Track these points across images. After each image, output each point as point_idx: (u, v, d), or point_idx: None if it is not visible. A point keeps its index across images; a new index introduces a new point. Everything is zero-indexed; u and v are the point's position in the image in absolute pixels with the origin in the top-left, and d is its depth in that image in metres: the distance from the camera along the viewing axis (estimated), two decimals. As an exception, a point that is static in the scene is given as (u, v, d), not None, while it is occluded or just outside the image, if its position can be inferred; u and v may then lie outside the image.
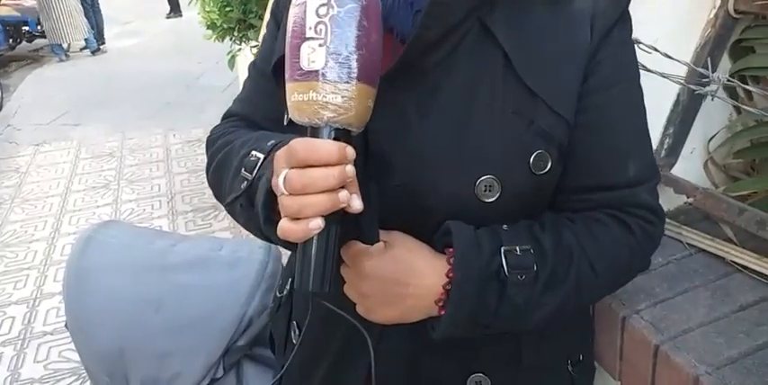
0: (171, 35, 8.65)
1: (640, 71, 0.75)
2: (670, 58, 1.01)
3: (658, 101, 1.12)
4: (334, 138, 0.56)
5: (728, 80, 1.02)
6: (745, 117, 1.20)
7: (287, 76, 0.57)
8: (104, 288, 1.43)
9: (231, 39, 3.10)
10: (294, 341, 0.87)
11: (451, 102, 0.66)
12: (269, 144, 0.66)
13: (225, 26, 3.06)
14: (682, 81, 1.07)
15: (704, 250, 1.09)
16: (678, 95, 1.16)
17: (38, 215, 3.67)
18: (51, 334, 2.59)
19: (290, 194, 0.55)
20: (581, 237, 0.69)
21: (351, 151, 0.55)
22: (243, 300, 1.38)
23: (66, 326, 1.48)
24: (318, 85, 0.54)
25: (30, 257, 3.20)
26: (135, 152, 4.58)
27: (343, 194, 0.55)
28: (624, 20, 0.71)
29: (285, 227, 0.56)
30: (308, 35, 0.54)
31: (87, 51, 7.87)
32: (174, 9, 9.99)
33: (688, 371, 0.86)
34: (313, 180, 0.54)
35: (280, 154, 0.58)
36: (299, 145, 0.55)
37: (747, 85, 1.10)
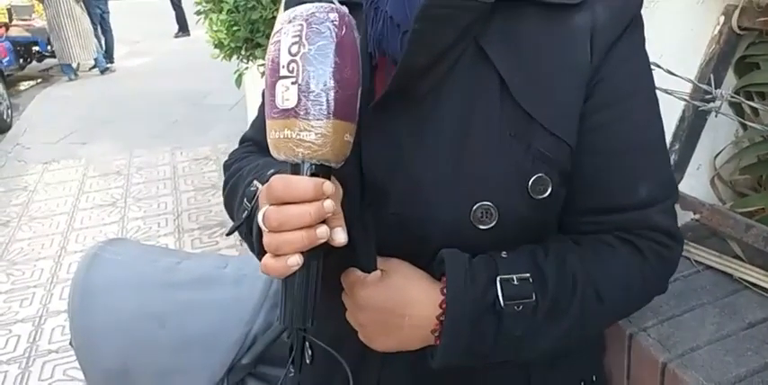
0: (179, 54, 8.74)
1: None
2: (674, 74, 1.01)
3: (664, 117, 1.12)
4: (313, 174, 0.56)
5: (732, 96, 1.02)
6: (751, 133, 1.20)
7: (266, 113, 0.57)
8: (109, 305, 1.43)
9: (238, 57, 3.13)
10: (306, 360, 0.86)
11: (446, 128, 0.65)
12: (269, 173, 0.66)
13: (232, 45, 3.09)
14: (686, 97, 1.07)
15: (712, 267, 1.09)
16: (683, 112, 1.16)
17: (45, 233, 3.68)
18: (56, 352, 2.58)
19: (269, 231, 0.55)
20: (587, 262, 0.66)
21: (329, 187, 0.55)
22: (247, 318, 1.37)
23: (70, 343, 1.48)
24: (292, 123, 0.54)
25: (36, 275, 3.20)
26: (142, 170, 4.61)
27: (322, 230, 0.55)
28: (632, 31, 0.67)
29: (266, 263, 0.56)
30: (281, 74, 0.54)
31: (96, 71, 7.96)
32: (182, 28, 10.12)
33: (696, 390, 0.85)
34: (289, 217, 0.54)
35: (262, 190, 0.58)
36: (276, 182, 0.55)
37: (753, 100, 1.10)
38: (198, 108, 6.06)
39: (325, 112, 0.54)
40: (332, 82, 0.54)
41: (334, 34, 0.54)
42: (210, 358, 1.35)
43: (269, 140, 0.57)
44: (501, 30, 0.64)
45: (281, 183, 0.55)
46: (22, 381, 2.43)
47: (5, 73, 6.76)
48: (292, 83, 0.54)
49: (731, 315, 0.97)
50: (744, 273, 1.04)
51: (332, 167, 0.57)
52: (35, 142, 5.42)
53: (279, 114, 0.55)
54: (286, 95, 0.54)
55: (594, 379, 0.83)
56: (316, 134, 0.54)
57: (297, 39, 0.54)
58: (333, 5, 0.56)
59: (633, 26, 0.67)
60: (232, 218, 0.79)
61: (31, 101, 6.88)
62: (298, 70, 0.54)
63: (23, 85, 7.82)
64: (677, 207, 1.15)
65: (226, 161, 0.86)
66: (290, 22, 0.55)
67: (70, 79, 7.69)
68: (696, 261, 1.10)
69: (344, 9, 0.57)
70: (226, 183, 0.81)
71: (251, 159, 0.80)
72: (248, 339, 1.38)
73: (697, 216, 1.13)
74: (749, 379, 0.86)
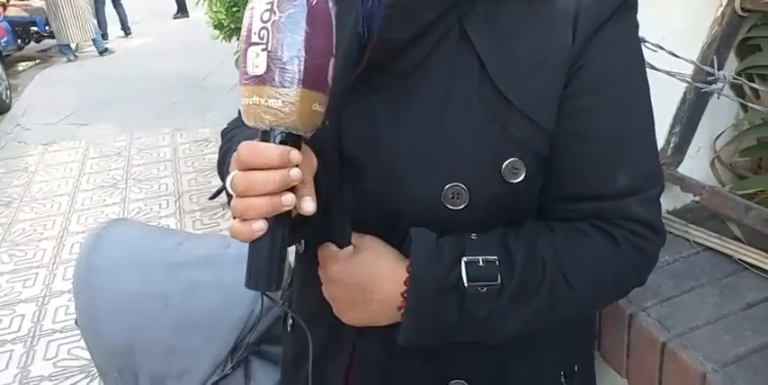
0: (178, 35, 8.69)
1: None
2: (676, 56, 1.01)
3: (665, 99, 1.12)
4: (282, 142, 0.56)
5: (735, 78, 1.02)
6: (751, 115, 1.20)
7: (239, 79, 0.57)
8: (113, 285, 1.44)
9: (238, 38, 3.11)
10: (288, 328, 0.88)
11: (424, 107, 0.65)
12: (248, 132, 0.66)
13: (232, 26, 3.08)
14: (688, 79, 1.07)
15: (711, 248, 1.09)
16: (685, 94, 1.16)
17: (47, 214, 3.69)
18: (60, 331, 2.61)
19: (236, 196, 0.56)
20: (558, 248, 0.66)
21: (295, 155, 0.55)
22: (251, 298, 1.39)
23: (76, 322, 1.49)
24: (260, 90, 0.54)
25: (39, 256, 3.22)
26: (142, 151, 4.61)
27: (287, 198, 0.55)
28: (621, 15, 0.65)
29: (234, 227, 0.57)
30: (252, 40, 0.54)
31: (95, 52, 7.91)
32: (182, 10, 10.04)
33: (695, 369, 0.86)
34: (254, 183, 0.54)
35: (233, 156, 0.59)
36: (244, 149, 0.55)
37: (754, 83, 1.10)
38: (197, 89, 6.04)
39: (294, 80, 0.54)
40: (302, 50, 0.54)
41: (305, 2, 0.54)
42: (214, 337, 1.37)
43: (241, 107, 0.58)
44: (484, 12, 0.64)
45: (248, 148, 0.55)
46: (27, 361, 2.45)
47: (4, 53, 6.73)
48: (262, 50, 0.54)
49: (730, 295, 0.98)
50: (743, 255, 1.05)
51: (302, 136, 0.58)
52: (35, 123, 5.42)
53: (249, 80, 0.55)
54: (256, 62, 0.54)
55: (576, 368, 0.82)
56: (283, 102, 0.54)
57: (269, 6, 0.54)
58: None
59: (623, 10, 0.65)
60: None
61: (30, 81, 6.85)
62: (268, 37, 0.54)
63: (22, 66, 7.78)
64: (677, 189, 1.16)
65: (223, 129, 0.86)
66: None
67: (69, 60, 7.65)
68: (695, 242, 1.11)
69: None
70: (220, 149, 0.81)
71: (246, 128, 0.81)
72: (251, 319, 1.39)
73: (697, 198, 1.14)
74: (748, 358, 0.87)
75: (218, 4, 3.07)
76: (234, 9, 3.02)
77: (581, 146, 0.66)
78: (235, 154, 0.58)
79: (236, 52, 3.23)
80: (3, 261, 3.19)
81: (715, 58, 1.08)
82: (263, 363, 1.42)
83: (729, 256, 1.06)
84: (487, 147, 0.64)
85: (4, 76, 6.09)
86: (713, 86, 1.02)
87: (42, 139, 4.96)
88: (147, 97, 5.90)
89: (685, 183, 1.15)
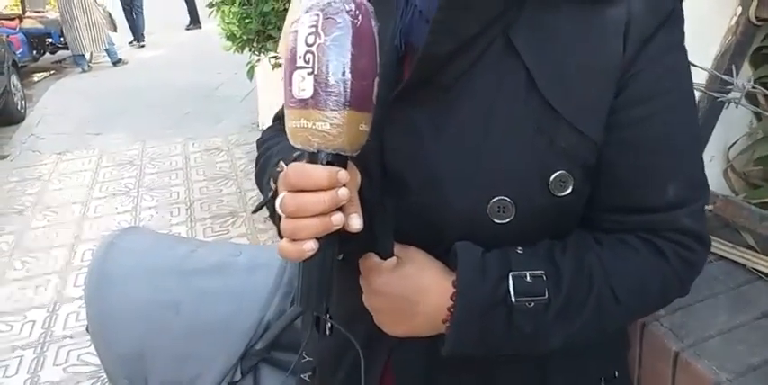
0: (190, 47, 8.76)
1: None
2: (693, 65, 1.01)
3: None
4: (329, 162, 0.56)
5: (753, 87, 1.01)
6: (765, 124, 1.20)
7: (284, 102, 0.58)
8: (125, 292, 1.45)
9: (250, 50, 3.14)
10: (326, 331, 0.88)
11: (468, 120, 0.64)
12: (295, 154, 0.65)
13: (244, 37, 3.10)
14: (702, 88, 1.07)
15: (725, 257, 1.09)
16: (699, 102, 1.16)
17: (59, 222, 3.71)
18: (71, 337, 2.62)
19: (286, 217, 0.56)
20: (606, 262, 0.65)
21: (343, 175, 0.56)
22: (261, 305, 1.39)
23: (87, 329, 1.50)
24: (307, 113, 0.55)
25: (51, 263, 3.23)
26: (155, 160, 4.63)
27: (337, 217, 0.56)
28: (670, 25, 0.64)
29: (283, 247, 0.57)
30: (298, 64, 0.55)
31: (108, 63, 8.00)
32: (194, 21, 10.13)
33: (709, 379, 0.86)
34: (304, 204, 0.55)
35: (280, 177, 0.59)
36: (292, 171, 0.56)
37: (768, 92, 1.10)
38: (209, 99, 6.08)
39: (341, 103, 0.54)
40: (348, 73, 0.54)
41: (350, 24, 0.54)
42: (224, 344, 1.37)
43: (287, 128, 0.58)
44: (531, 22, 0.63)
45: (297, 171, 0.56)
46: (38, 366, 2.46)
47: (19, 64, 6.80)
48: (308, 73, 0.54)
49: (744, 305, 0.98)
50: (757, 264, 1.04)
51: (348, 156, 0.58)
52: (49, 133, 5.46)
53: (295, 104, 0.55)
54: (302, 85, 0.54)
55: (616, 374, 0.81)
56: (330, 124, 0.54)
57: (313, 29, 0.54)
58: None
59: (672, 21, 0.64)
60: (263, 193, 0.80)
61: (45, 92, 6.92)
62: (314, 61, 0.54)
63: (37, 77, 7.86)
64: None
65: (258, 138, 0.86)
66: (306, 11, 0.55)
67: (83, 70, 7.72)
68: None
69: None
70: (257, 159, 0.82)
71: (282, 137, 0.81)
72: (261, 326, 1.39)
73: (710, 207, 1.13)
74: (762, 368, 0.86)
75: (231, 16, 3.10)
76: (246, 20, 3.04)
77: (631, 156, 0.65)
78: (281, 176, 0.58)
79: (248, 63, 3.25)
80: (15, 268, 3.21)
81: (733, 66, 1.08)
82: (273, 370, 1.42)
83: (743, 265, 1.06)
84: (534, 159, 0.63)
85: (19, 87, 6.15)
86: (730, 95, 1.02)
87: (56, 148, 5.00)
88: (160, 107, 5.94)
89: (698, 192, 1.14)
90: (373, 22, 0.57)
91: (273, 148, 0.77)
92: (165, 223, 3.62)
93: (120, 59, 8.03)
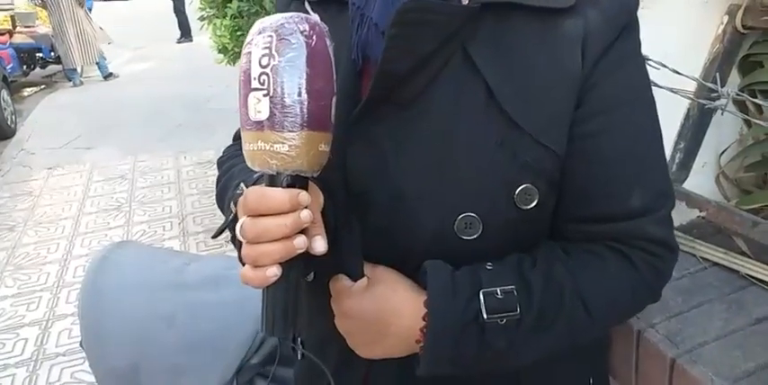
0: (181, 60, 8.77)
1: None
2: (679, 73, 1.02)
3: (668, 116, 1.13)
4: (289, 185, 0.55)
5: (738, 94, 1.02)
6: (755, 131, 1.21)
7: (240, 125, 0.57)
8: (119, 307, 1.44)
9: (243, 62, 3.15)
10: (298, 356, 0.88)
11: (430, 137, 0.63)
12: (255, 176, 0.63)
13: (236, 50, 3.11)
14: (691, 96, 1.08)
15: (718, 264, 1.09)
16: (688, 110, 1.17)
17: (50, 237, 3.69)
18: (64, 355, 2.59)
19: (247, 242, 0.55)
20: (575, 273, 0.65)
21: (304, 197, 0.54)
22: (256, 319, 1.38)
23: (80, 344, 1.49)
24: (265, 136, 0.54)
25: (42, 279, 3.21)
26: (146, 174, 4.62)
27: (299, 240, 0.54)
28: (626, 37, 0.64)
29: (245, 274, 0.55)
30: (253, 86, 0.54)
31: (99, 77, 7.99)
32: (185, 34, 10.15)
33: (705, 384, 0.86)
34: (265, 229, 0.53)
35: (240, 202, 0.58)
36: (251, 195, 0.55)
37: (757, 99, 1.11)
38: (201, 112, 6.07)
39: (298, 124, 0.53)
40: (304, 93, 0.53)
41: (304, 45, 0.53)
42: (219, 358, 1.36)
43: (244, 152, 0.57)
44: (489, 36, 0.63)
45: (256, 195, 0.54)
46: (30, 384, 2.43)
47: (10, 79, 6.79)
48: (264, 95, 0.53)
49: (738, 311, 0.98)
50: (750, 270, 1.04)
51: (309, 177, 0.57)
52: (40, 147, 5.44)
53: (252, 126, 0.54)
54: (258, 107, 0.53)
55: (592, 382, 0.81)
56: (289, 146, 0.53)
57: (267, 50, 0.53)
58: (302, 16, 0.55)
59: (627, 32, 0.65)
60: (225, 216, 0.79)
61: (35, 107, 6.91)
62: (269, 82, 0.53)
63: (27, 91, 7.85)
64: (683, 205, 1.17)
65: (219, 158, 0.85)
66: (259, 33, 0.54)
67: (75, 85, 7.71)
68: (702, 258, 1.11)
69: (315, 18, 0.56)
70: (218, 180, 0.80)
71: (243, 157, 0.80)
72: (256, 340, 1.39)
73: (703, 213, 1.14)
74: (757, 373, 0.87)
75: (223, 29, 3.11)
76: (238, 33, 3.05)
77: (594, 167, 0.65)
78: (241, 198, 0.57)
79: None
80: (6, 284, 3.18)
81: (717, 74, 1.09)
82: (269, 385, 1.41)
83: (736, 271, 1.06)
84: (498, 174, 0.63)
85: (9, 102, 6.13)
86: (717, 103, 1.03)
87: (47, 164, 4.98)
88: (151, 121, 5.93)
89: (691, 199, 1.15)
90: (328, 42, 0.56)
91: (233, 169, 0.76)
92: (157, 238, 3.60)
93: (111, 73, 8.03)
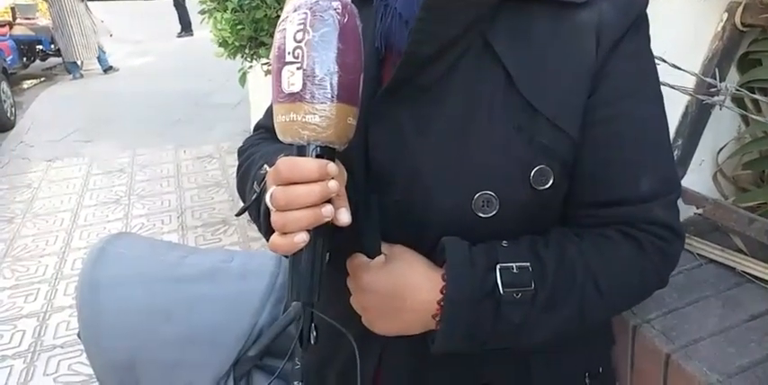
0: (181, 54, 8.77)
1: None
2: (679, 69, 1.02)
3: (667, 112, 1.13)
4: (318, 156, 0.58)
5: (737, 90, 1.03)
6: (753, 128, 1.21)
7: (272, 98, 0.60)
8: (116, 299, 1.44)
9: (243, 56, 3.14)
10: (311, 340, 0.88)
11: (450, 118, 0.66)
12: (279, 158, 0.67)
13: (237, 44, 3.10)
14: (690, 92, 1.08)
15: (714, 260, 1.10)
16: (687, 107, 1.17)
17: (49, 230, 3.69)
18: (61, 347, 2.60)
19: (276, 210, 0.57)
20: (587, 254, 0.67)
21: (333, 168, 0.57)
22: (253, 312, 1.38)
23: (78, 336, 1.49)
24: (297, 107, 0.56)
25: (41, 271, 3.21)
26: (145, 168, 4.62)
27: (327, 209, 0.57)
28: (637, 29, 0.68)
29: (274, 240, 0.58)
30: (287, 59, 0.57)
31: (99, 70, 7.98)
32: (185, 28, 10.14)
33: (700, 380, 0.86)
34: (295, 196, 0.56)
35: (269, 172, 0.60)
36: (282, 164, 0.57)
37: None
38: (201, 107, 6.07)
39: (329, 96, 0.56)
40: (335, 67, 0.56)
41: (336, 21, 0.56)
42: (217, 351, 1.36)
43: (276, 124, 0.59)
44: (508, 27, 0.66)
45: (288, 164, 0.57)
46: (27, 376, 2.44)
47: (9, 71, 6.78)
48: (297, 68, 0.56)
49: (734, 307, 0.99)
50: (746, 267, 1.05)
51: (336, 149, 0.60)
52: (39, 140, 5.44)
53: (285, 98, 0.57)
54: (291, 80, 0.56)
55: (601, 370, 0.83)
56: (320, 117, 0.56)
57: (302, 26, 0.56)
58: None
59: (638, 23, 0.68)
60: (244, 201, 0.81)
61: (35, 99, 6.90)
62: (303, 56, 0.56)
63: (27, 84, 7.84)
64: (680, 202, 1.17)
65: (240, 147, 0.88)
66: (295, 10, 0.57)
67: (75, 77, 7.71)
68: (699, 254, 1.11)
69: None
70: (239, 167, 0.83)
71: (263, 145, 0.82)
72: (254, 332, 1.38)
73: (700, 210, 1.14)
74: (752, 369, 0.87)
75: (223, 23, 3.10)
76: (239, 27, 3.04)
77: (606, 153, 0.68)
78: (270, 170, 0.59)
79: (241, 70, 3.25)
80: (5, 276, 3.18)
81: (717, 70, 1.09)
82: (266, 377, 1.41)
83: (733, 268, 1.07)
84: (515, 155, 0.65)
85: (9, 94, 6.13)
86: (715, 98, 1.03)
87: (46, 156, 4.98)
88: (151, 114, 5.93)
89: (688, 196, 1.15)
90: (358, 22, 0.59)
91: (255, 155, 0.79)
92: (156, 231, 3.61)
93: (111, 67, 8.02)
